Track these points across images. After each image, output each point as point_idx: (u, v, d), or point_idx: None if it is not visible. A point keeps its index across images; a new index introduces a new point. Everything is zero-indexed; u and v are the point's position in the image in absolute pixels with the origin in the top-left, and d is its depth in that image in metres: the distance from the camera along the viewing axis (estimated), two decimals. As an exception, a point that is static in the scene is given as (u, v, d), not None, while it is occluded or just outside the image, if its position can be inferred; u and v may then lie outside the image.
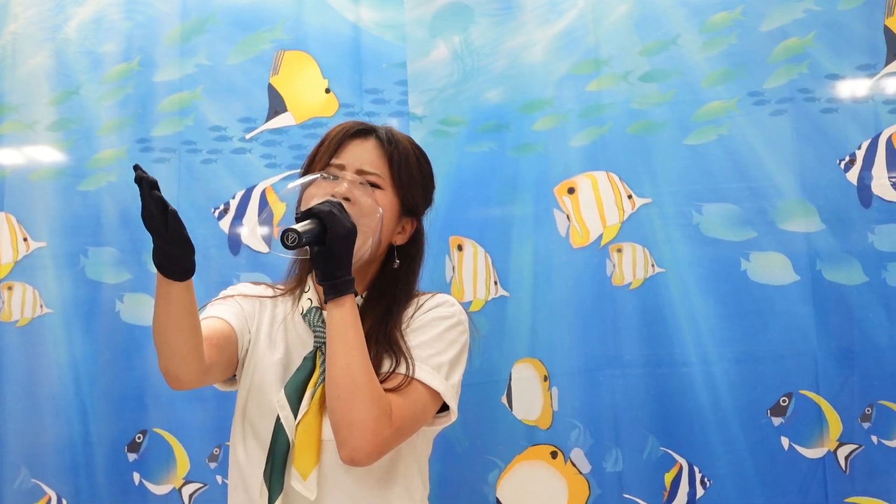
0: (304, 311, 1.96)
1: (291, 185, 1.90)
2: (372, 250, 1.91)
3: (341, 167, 1.94)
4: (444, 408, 1.91)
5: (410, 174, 2.00)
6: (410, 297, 1.99)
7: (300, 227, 1.71)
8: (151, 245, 1.66)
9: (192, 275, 1.71)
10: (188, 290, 1.71)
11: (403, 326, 1.92)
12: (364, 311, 1.88)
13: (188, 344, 1.75)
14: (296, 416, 1.84)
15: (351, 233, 1.77)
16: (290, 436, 1.83)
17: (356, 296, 1.81)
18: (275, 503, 1.81)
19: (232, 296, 2.04)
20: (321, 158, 1.98)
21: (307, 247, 1.77)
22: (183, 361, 1.76)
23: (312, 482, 1.81)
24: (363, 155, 1.97)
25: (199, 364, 1.79)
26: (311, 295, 1.98)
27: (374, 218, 1.90)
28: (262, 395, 1.91)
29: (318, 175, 1.92)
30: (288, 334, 1.97)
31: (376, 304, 1.93)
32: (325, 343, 1.87)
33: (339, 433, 1.75)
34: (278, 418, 1.84)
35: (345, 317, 1.77)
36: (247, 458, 1.91)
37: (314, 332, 1.93)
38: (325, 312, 1.92)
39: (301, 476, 1.82)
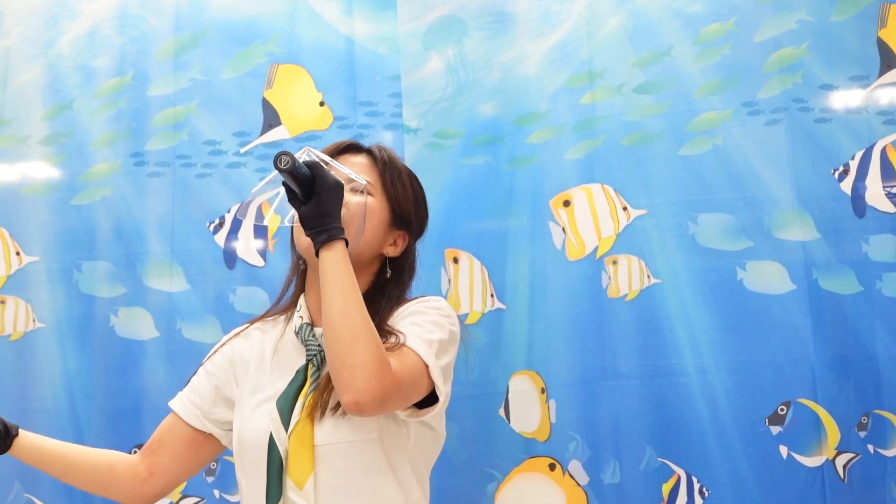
0: (297, 329, 1.97)
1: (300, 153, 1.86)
2: (359, 236, 1.93)
3: None
4: (431, 402, 1.88)
5: (403, 185, 2.03)
6: (399, 303, 2.00)
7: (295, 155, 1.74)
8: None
9: (7, 449, 1.94)
10: (26, 452, 1.96)
11: (390, 321, 1.93)
12: None
13: (84, 483, 2.02)
14: (287, 428, 1.84)
15: (339, 185, 1.78)
16: (282, 449, 1.83)
17: (347, 245, 1.80)
18: None
19: (203, 364, 2.11)
20: None
21: (295, 209, 1.80)
22: (103, 492, 2.04)
23: (309, 491, 1.82)
24: (354, 167, 2.00)
25: (119, 485, 2.02)
26: (301, 313, 1.99)
27: (359, 191, 1.95)
28: (258, 418, 1.92)
29: (305, 148, 1.93)
30: (280, 359, 1.99)
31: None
32: (315, 355, 1.91)
33: (341, 378, 1.72)
34: (271, 435, 1.85)
35: (338, 261, 1.76)
36: (246, 484, 1.93)
37: (306, 345, 1.94)
38: (315, 329, 1.95)
39: (297, 486, 1.82)
